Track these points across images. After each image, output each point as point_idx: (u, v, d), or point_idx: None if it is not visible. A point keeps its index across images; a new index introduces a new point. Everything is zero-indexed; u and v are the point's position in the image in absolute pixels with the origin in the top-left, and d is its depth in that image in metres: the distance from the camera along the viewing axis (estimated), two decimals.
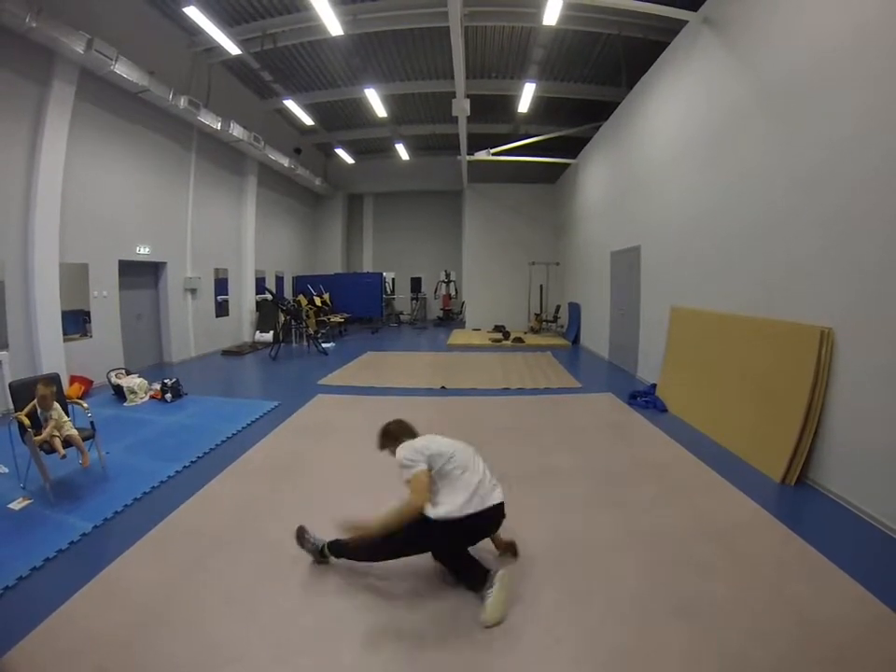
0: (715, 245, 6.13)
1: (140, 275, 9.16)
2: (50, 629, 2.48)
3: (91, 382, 7.00)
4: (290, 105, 12.16)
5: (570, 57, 10.14)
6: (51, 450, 3.90)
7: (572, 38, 9.40)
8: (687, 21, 6.62)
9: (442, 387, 8.12)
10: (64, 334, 7.09)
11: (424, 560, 2.99)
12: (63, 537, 3.34)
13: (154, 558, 3.18)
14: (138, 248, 8.79)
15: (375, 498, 4.05)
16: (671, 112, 7.42)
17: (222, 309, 11.81)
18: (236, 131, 10.77)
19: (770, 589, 2.88)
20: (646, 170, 8.54)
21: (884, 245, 3.62)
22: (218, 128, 10.24)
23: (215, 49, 9.35)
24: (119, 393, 6.71)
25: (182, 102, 8.92)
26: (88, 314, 7.61)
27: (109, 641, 2.41)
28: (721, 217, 6.00)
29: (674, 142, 7.32)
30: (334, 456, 5.05)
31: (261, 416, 6.29)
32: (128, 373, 7.07)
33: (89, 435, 4.24)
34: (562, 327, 15.33)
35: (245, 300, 12.93)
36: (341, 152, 16.32)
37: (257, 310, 13.24)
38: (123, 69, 7.47)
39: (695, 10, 6.38)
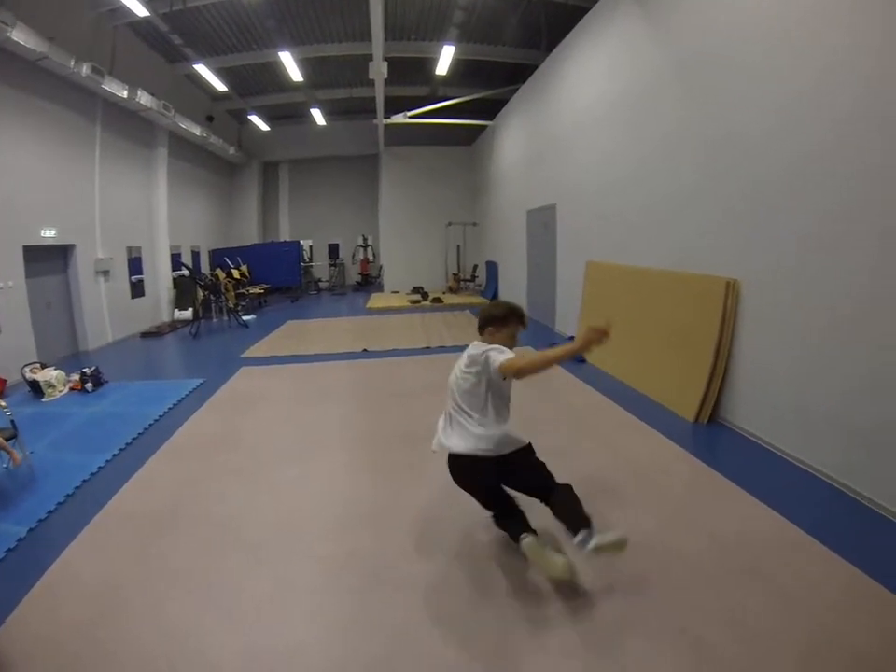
0: (633, 204, 6.45)
1: (47, 260, 8.50)
2: (8, 631, 2.43)
3: (5, 381, 6.54)
4: (202, 69, 11.44)
5: (491, 20, 10.05)
6: None
7: (494, 1, 9.31)
8: None
9: (364, 350, 8.38)
10: None
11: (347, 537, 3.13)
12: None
13: (98, 550, 3.14)
14: (43, 231, 8.11)
15: (310, 463, 4.26)
16: (591, 76, 7.60)
17: (138, 289, 11.21)
18: (144, 99, 10.04)
19: (685, 513, 3.25)
20: (564, 131, 8.77)
21: (784, 206, 3.98)
22: (125, 96, 9.50)
23: (119, 9, 8.60)
24: (36, 388, 6.31)
25: (85, 69, 8.17)
26: None
27: (62, 645, 2.37)
28: (640, 178, 6.29)
29: (594, 105, 7.53)
30: (264, 426, 5.17)
31: (187, 395, 6.24)
32: (43, 367, 6.65)
33: (10, 435, 4.01)
34: (480, 286, 15.84)
35: (160, 278, 12.32)
36: (255, 119, 15.67)
37: (174, 287, 12.70)
38: (21, 35, 6.75)
39: None
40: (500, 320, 2.84)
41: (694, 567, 2.73)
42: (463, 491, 2.85)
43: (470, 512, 3.04)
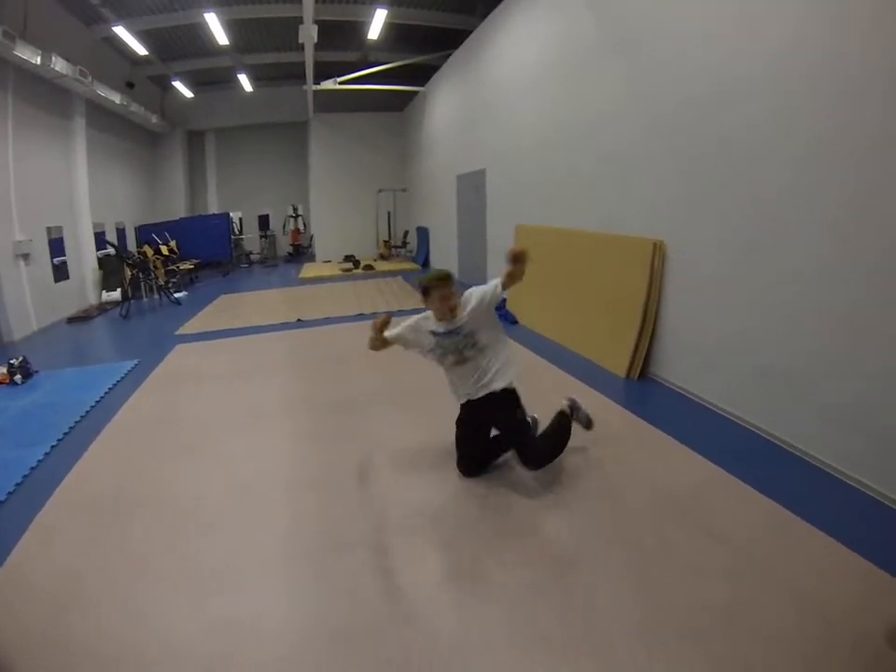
0: (564, 169, 6.60)
1: None
2: None
3: None
4: (121, 32, 10.59)
5: None
6: None
7: None
8: None
9: (298, 320, 8.52)
10: None
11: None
12: None
13: (49, 544, 3.06)
14: None
15: (253, 434, 4.33)
16: (525, 42, 7.60)
17: (61, 272, 10.54)
18: (59, 65, 9.26)
19: (622, 465, 3.48)
20: (495, 97, 8.86)
21: (711, 173, 4.22)
22: (38, 63, 8.73)
23: None
24: None
25: None
26: None
27: (25, 639, 2.33)
28: (570, 143, 6.44)
29: (525, 72, 7.59)
30: (205, 402, 5.18)
31: (123, 377, 6.10)
32: None
33: None
34: (411, 252, 16.03)
35: (85, 259, 11.61)
36: (178, 85, 14.84)
37: (100, 268, 12.03)
38: None
39: None
40: (423, 292, 3.19)
41: (638, 514, 2.95)
42: (404, 448, 3.36)
43: (411, 469, 3.32)
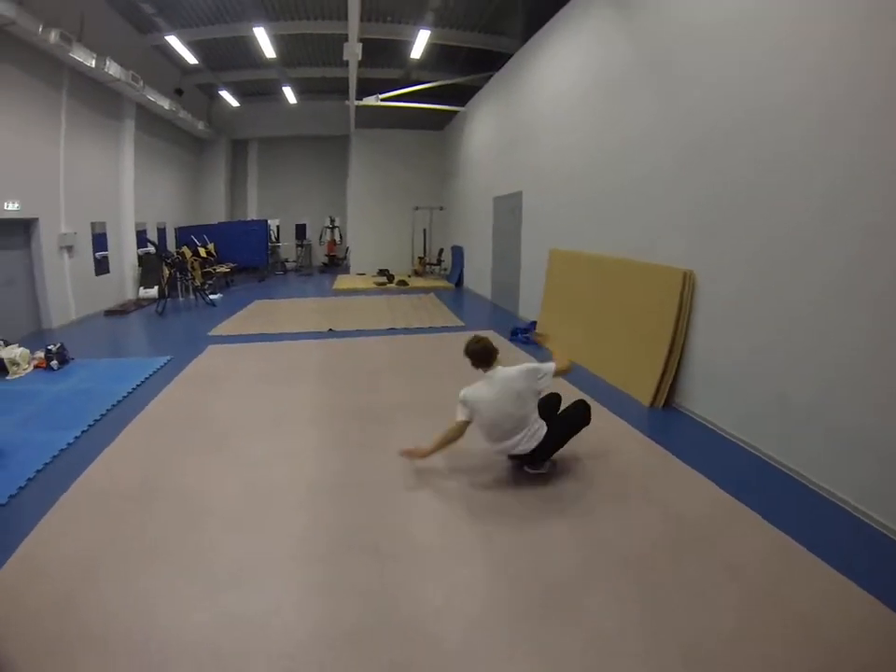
0: (598, 194, 6.64)
1: (9, 235, 8.27)
2: None
3: None
4: (173, 41, 11.09)
5: (467, 6, 10.06)
6: None
7: None
8: None
9: (330, 330, 8.56)
10: None
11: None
12: None
13: (70, 525, 3.18)
14: (6, 204, 7.85)
15: (278, 437, 4.39)
16: (563, 67, 7.73)
17: (102, 266, 10.97)
18: (113, 69, 9.75)
19: (638, 492, 3.49)
20: (533, 120, 8.94)
21: (743, 203, 4.22)
22: (93, 66, 9.19)
23: None
24: (0, 366, 6.27)
25: (53, 36, 7.89)
26: None
27: (41, 616, 2.43)
28: (604, 169, 6.49)
29: (564, 96, 7.68)
30: (233, 402, 5.28)
31: (155, 372, 6.27)
32: (6, 344, 6.56)
33: None
34: (445, 270, 16.06)
35: (126, 255, 12.07)
36: (225, 94, 15.37)
37: (139, 265, 12.46)
38: None
39: None
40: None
41: (650, 540, 2.95)
42: (422, 464, 3.45)
43: (429, 481, 3.35)
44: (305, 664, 2.18)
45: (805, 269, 3.63)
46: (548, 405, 3.78)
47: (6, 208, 7.95)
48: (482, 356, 3.52)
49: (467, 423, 3.48)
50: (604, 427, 4.53)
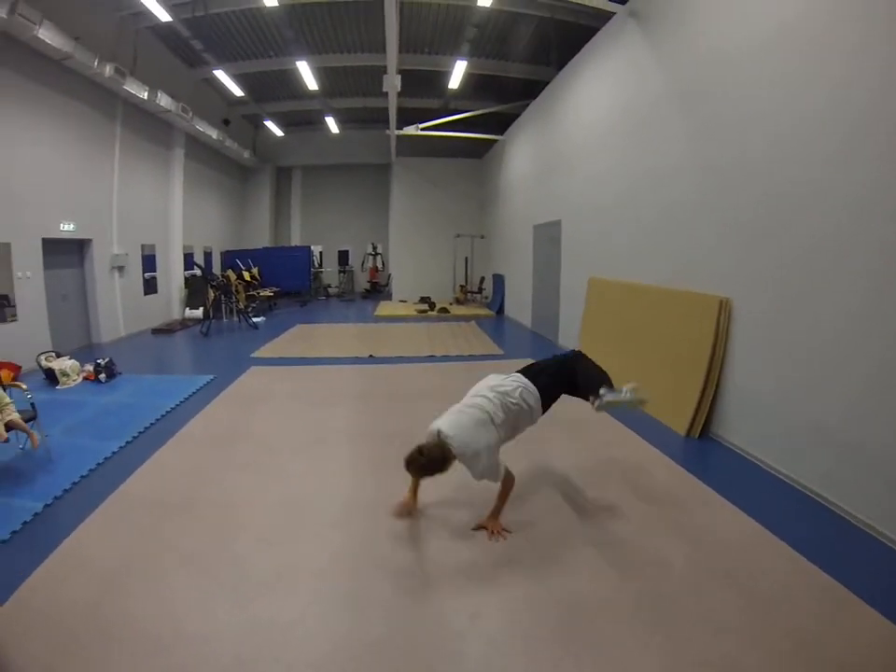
0: (634, 222, 6.63)
1: (65, 254, 8.78)
2: (15, 606, 2.56)
3: (20, 367, 6.75)
4: (220, 74, 11.70)
5: (502, 36, 10.35)
6: None
7: (505, 19, 9.58)
8: (615, 13, 6.96)
9: (370, 356, 8.57)
10: None
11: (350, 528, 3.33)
12: (16, 518, 3.38)
13: (109, 529, 3.32)
14: (62, 225, 8.40)
15: (315, 457, 4.46)
16: (597, 95, 7.82)
17: (150, 286, 11.48)
18: (164, 101, 10.35)
19: (668, 522, 3.40)
20: (570, 148, 8.98)
21: (777, 228, 4.16)
22: (145, 98, 9.79)
23: (143, 13, 8.87)
24: (51, 377, 6.56)
25: (108, 70, 8.49)
26: (6, 297, 7.19)
27: (74, 611, 2.54)
28: (640, 196, 6.48)
29: (598, 124, 7.74)
30: (272, 422, 5.37)
31: (198, 390, 6.45)
32: (58, 356, 6.89)
33: (30, 417, 4.22)
34: (486, 298, 16.01)
35: (173, 276, 12.59)
36: (270, 124, 15.96)
37: (185, 286, 12.95)
38: (47, 34, 7.02)
39: (624, 3, 6.73)
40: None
41: (678, 571, 2.88)
42: (457, 484, 3.29)
43: (458, 505, 3.26)
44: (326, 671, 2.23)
45: (837, 292, 3.58)
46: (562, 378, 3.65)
47: (62, 229, 8.47)
48: (429, 468, 2.99)
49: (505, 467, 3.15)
50: (638, 456, 4.48)
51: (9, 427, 3.94)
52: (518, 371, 3.55)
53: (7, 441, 3.89)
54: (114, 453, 4.51)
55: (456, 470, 3.06)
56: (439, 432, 3.01)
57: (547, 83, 10.31)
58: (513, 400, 3.23)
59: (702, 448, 4.76)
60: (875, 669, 2.22)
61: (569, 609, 2.58)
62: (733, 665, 2.22)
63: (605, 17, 7.35)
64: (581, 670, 2.22)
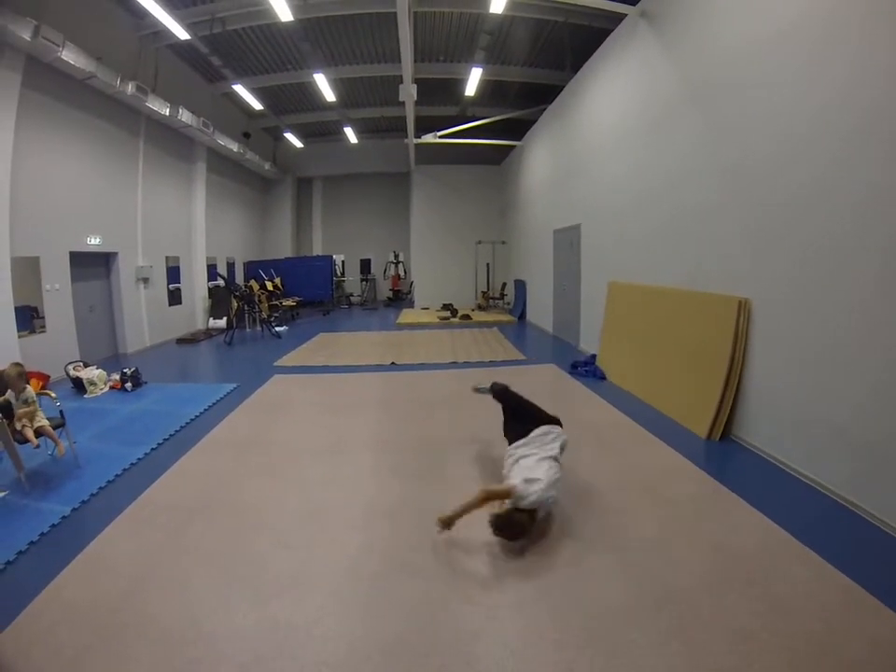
0: (652, 224, 6.58)
1: (91, 266, 9.03)
2: (41, 604, 2.66)
3: (48, 376, 6.94)
4: (239, 89, 11.99)
5: (516, 42, 10.40)
6: (24, 440, 4.00)
7: (519, 24, 9.62)
8: (626, 14, 6.95)
9: (393, 363, 8.58)
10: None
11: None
12: (44, 521, 3.48)
13: (134, 532, 3.40)
14: (89, 239, 8.65)
15: (336, 463, 4.49)
16: (612, 98, 7.81)
17: (175, 297, 11.72)
18: (185, 116, 10.62)
19: (689, 526, 3.35)
20: (587, 152, 8.96)
21: (793, 228, 4.10)
22: (167, 114, 10.07)
23: (162, 32, 9.17)
24: (79, 386, 6.74)
25: (130, 88, 8.75)
26: (35, 309, 7.43)
27: (99, 609, 2.62)
28: (657, 199, 6.44)
29: (614, 127, 7.72)
30: (294, 429, 5.43)
31: (222, 398, 6.54)
32: (86, 366, 7.07)
33: (59, 424, 4.35)
34: (508, 304, 15.98)
35: (197, 287, 12.83)
36: (290, 136, 16.22)
37: (209, 297, 13.19)
38: (70, 55, 7.28)
39: (634, 4, 6.72)
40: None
41: (697, 575, 2.83)
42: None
43: (477, 511, 3.24)
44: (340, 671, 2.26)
45: (853, 291, 3.53)
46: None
47: (89, 242, 8.72)
48: (514, 531, 3.10)
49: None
50: (658, 460, 4.44)
51: (38, 433, 4.06)
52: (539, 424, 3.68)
53: (38, 447, 4.01)
54: (139, 459, 4.61)
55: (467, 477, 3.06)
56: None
57: (562, 87, 10.31)
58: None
59: (723, 450, 4.68)
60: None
61: (586, 613, 2.56)
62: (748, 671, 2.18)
63: (617, 19, 7.35)
64: None
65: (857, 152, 3.45)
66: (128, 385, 6.83)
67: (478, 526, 3.22)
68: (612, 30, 7.69)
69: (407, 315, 15.04)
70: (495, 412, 4.13)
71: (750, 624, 2.43)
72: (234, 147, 13.41)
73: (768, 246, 4.41)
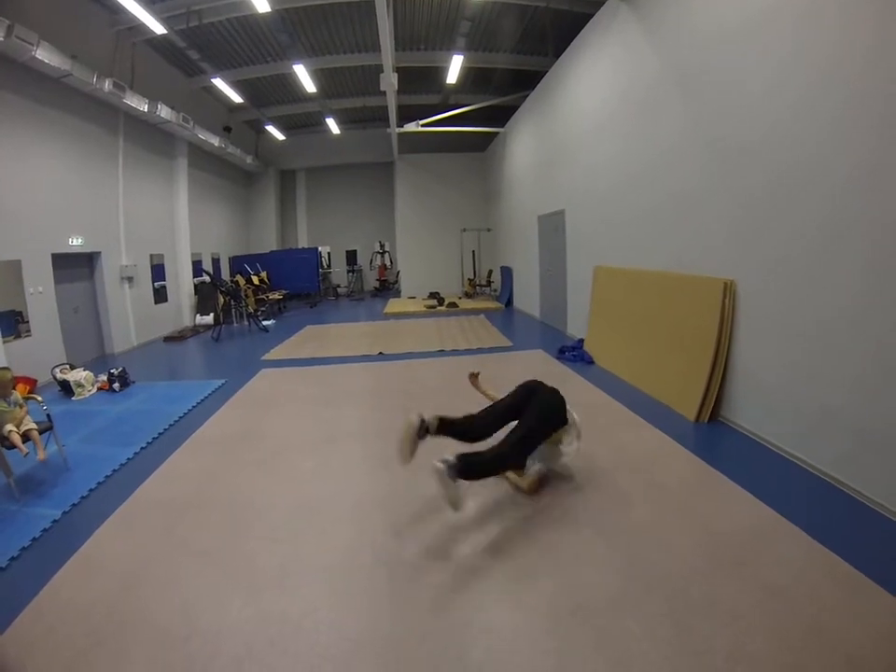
0: (636, 209, 6.61)
1: (75, 267, 8.92)
2: (38, 607, 2.66)
3: (35, 381, 6.89)
4: (218, 82, 11.83)
5: (498, 29, 10.31)
6: (11, 446, 3.97)
7: (500, 10, 9.56)
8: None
9: (380, 353, 8.62)
10: None
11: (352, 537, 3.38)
12: (35, 526, 3.47)
13: (126, 531, 3.41)
14: (71, 240, 8.53)
15: (326, 456, 4.51)
16: (595, 83, 7.79)
17: (160, 295, 11.62)
18: (164, 112, 10.46)
19: (679, 510, 3.38)
20: (570, 137, 8.97)
21: (779, 209, 4.13)
22: (145, 110, 9.91)
23: (138, 27, 8.99)
24: (66, 388, 6.69)
25: (107, 85, 8.60)
26: (20, 313, 7.34)
27: (94, 608, 2.64)
28: (641, 183, 6.46)
29: (597, 112, 7.72)
30: (283, 423, 5.43)
31: (210, 395, 6.54)
32: (72, 368, 7.02)
33: (46, 427, 4.32)
34: (495, 291, 16.01)
35: (182, 284, 12.73)
36: (271, 128, 16.02)
37: (195, 293, 13.09)
38: (45, 54, 7.12)
39: None
40: None
41: (688, 558, 2.86)
42: (462, 483, 3.13)
43: (470, 500, 3.30)
44: (333, 660, 2.28)
45: (839, 273, 3.56)
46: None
47: (71, 243, 8.60)
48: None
49: None
50: (647, 443, 4.47)
51: (25, 437, 4.05)
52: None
53: (27, 454, 3.98)
54: (129, 459, 4.61)
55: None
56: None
57: (545, 73, 10.27)
58: None
59: (711, 432, 4.73)
60: (893, 656, 2.16)
61: (576, 600, 2.58)
62: (738, 652, 2.20)
63: (598, 3, 7.33)
64: (586, 660, 2.23)
65: (840, 134, 3.47)
66: (116, 385, 6.80)
67: (467, 517, 3.28)
68: (593, 14, 7.64)
69: (394, 305, 15.03)
70: (481, 398, 4.19)
71: (742, 605, 2.47)
72: (215, 141, 13.25)
73: (753, 229, 4.44)
